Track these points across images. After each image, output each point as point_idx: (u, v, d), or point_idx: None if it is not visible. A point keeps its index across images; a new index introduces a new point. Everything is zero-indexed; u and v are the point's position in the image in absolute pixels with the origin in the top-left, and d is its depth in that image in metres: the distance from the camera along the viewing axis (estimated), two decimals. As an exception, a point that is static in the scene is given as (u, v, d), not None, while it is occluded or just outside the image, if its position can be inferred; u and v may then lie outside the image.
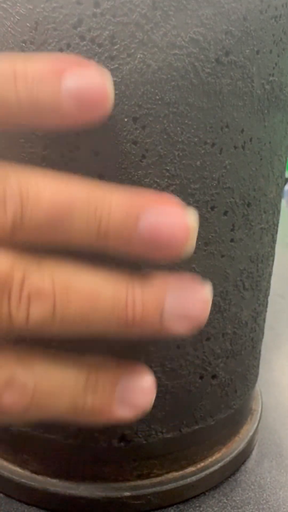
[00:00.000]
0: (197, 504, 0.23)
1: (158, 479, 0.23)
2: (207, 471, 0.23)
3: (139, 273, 0.16)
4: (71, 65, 0.15)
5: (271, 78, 0.20)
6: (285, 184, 0.24)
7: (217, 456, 0.24)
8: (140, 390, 0.17)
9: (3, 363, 0.16)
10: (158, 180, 0.18)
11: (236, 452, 0.25)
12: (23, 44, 0.17)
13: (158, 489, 0.22)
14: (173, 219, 0.15)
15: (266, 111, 0.20)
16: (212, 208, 0.19)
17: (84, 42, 0.16)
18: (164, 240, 0.15)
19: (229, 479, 0.25)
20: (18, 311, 0.14)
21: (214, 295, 0.21)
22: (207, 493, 0.24)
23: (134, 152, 0.17)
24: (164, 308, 0.16)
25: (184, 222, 0.15)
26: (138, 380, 0.17)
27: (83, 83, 0.15)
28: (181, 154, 0.18)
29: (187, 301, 0.16)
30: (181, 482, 0.23)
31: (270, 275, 0.25)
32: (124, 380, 0.17)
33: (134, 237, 0.15)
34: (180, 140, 0.18)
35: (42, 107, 0.15)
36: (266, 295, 0.25)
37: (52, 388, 0.16)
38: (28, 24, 0.17)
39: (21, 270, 0.15)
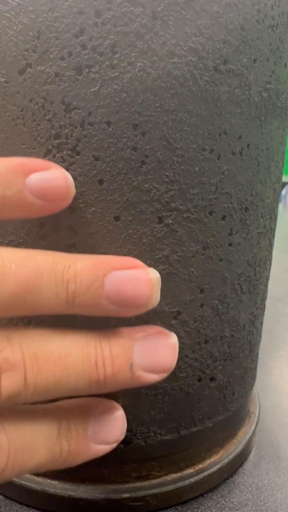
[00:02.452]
0: (196, 506, 0.23)
1: (157, 480, 0.23)
2: (205, 473, 0.24)
3: (106, 330, 0.17)
4: (34, 165, 0.17)
5: (268, 86, 0.20)
6: (282, 189, 0.24)
7: (215, 458, 0.25)
8: (111, 426, 0.18)
9: None
10: (157, 186, 0.18)
11: (234, 454, 0.25)
12: (26, 53, 0.17)
13: (157, 490, 0.22)
14: (137, 275, 0.17)
15: (263, 118, 0.20)
16: (211, 213, 0.20)
17: (86, 51, 0.17)
18: (130, 295, 0.16)
19: (227, 481, 0.25)
20: None
21: (213, 299, 0.21)
22: (205, 494, 0.24)
23: (134, 158, 0.18)
24: (134, 361, 0.17)
25: (147, 277, 0.17)
26: (108, 416, 0.18)
27: (46, 180, 0.16)
28: (180, 160, 0.18)
29: (154, 351, 0.17)
30: (180, 484, 0.23)
31: (267, 278, 0.25)
32: (95, 419, 0.18)
33: (102, 297, 0.16)
34: (179, 146, 0.18)
35: (8, 202, 0.16)
36: (264, 299, 0.25)
37: (27, 443, 0.16)
38: (30, 33, 0.17)
39: None
